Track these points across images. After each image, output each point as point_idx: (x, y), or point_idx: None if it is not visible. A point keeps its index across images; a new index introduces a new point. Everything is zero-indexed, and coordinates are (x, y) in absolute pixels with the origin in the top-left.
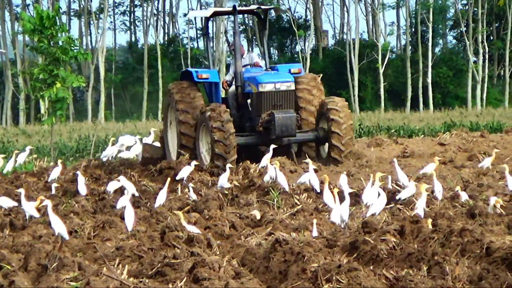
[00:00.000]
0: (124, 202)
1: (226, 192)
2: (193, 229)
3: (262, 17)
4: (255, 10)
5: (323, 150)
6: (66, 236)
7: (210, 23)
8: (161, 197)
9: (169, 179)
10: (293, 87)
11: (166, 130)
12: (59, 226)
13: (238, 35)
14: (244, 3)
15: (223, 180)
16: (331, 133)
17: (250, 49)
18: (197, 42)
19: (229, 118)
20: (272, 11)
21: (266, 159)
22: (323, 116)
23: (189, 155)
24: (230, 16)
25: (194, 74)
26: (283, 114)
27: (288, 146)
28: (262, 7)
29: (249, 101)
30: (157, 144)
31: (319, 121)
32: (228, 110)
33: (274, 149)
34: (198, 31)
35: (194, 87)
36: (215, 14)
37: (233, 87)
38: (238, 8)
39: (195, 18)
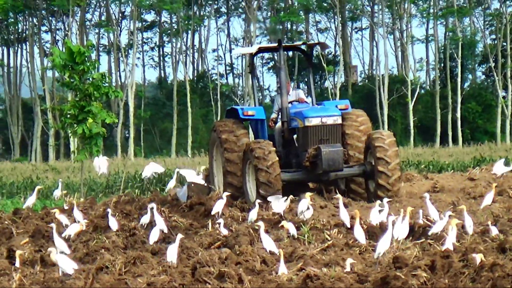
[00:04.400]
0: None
1: (257, 227)
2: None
3: (308, 53)
4: (300, 46)
5: (372, 185)
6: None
7: (239, 59)
8: None
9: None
10: (339, 121)
11: (212, 168)
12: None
13: (283, 71)
14: (273, 38)
15: (253, 215)
16: (378, 173)
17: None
18: (226, 78)
19: (275, 159)
20: (318, 47)
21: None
22: (370, 151)
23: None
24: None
25: (240, 111)
26: (330, 148)
27: (334, 182)
28: (308, 43)
29: (295, 136)
30: (203, 182)
31: (366, 154)
32: (274, 148)
33: (322, 184)
34: (227, 67)
35: (240, 125)
36: (261, 51)
37: (279, 124)
38: (283, 44)
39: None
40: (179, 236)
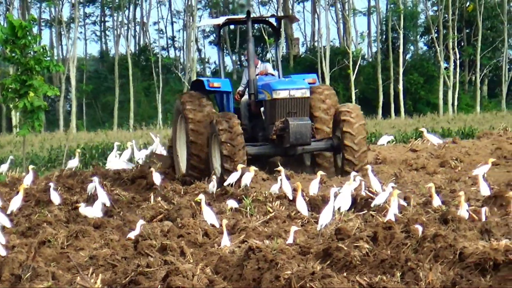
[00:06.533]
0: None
1: (198, 200)
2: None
3: (276, 25)
4: (269, 19)
5: (339, 159)
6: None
7: (181, 32)
8: None
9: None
10: (308, 94)
11: (175, 140)
12: None
13: (251, 43)
14: (215, 11)
15: (212, 187)
16: (344, 147)
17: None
18: (168, 51)
19: (239, 131)
20: (287, 19)
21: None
22: (337, 125)
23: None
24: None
25: (206, 83)
26: (298, 122)
27: (300, 157)
28: (277, 15)
29: (262, 109)
30: (165, 153)
31: (334, 129)
32: (239, 121)
33: (287, 159)
34: (169, 40)
35: (205, 97)
36: (228, 23)
37: (245, 96)
38: (252, 16)
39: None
40: (141, 222)
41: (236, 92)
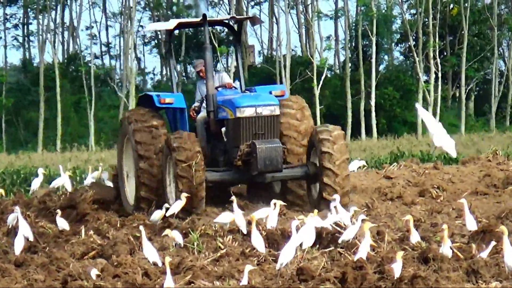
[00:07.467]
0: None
1: (138, 234)
2: None
3: (236, 29)
4: (227, 21)
5: (315, 190)
6: None
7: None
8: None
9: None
10: (277, 112)
11: (121, 167)
12: None
13: (209, 51)
14: (156, 14)
15: (156, 216)
16: (323, 169)
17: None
18: (102, 60)
19: (201, 160)
20: (249, 21)
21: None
22: (314, 148)
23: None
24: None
25: (156, 98)
26: (266, 145)
27: (270, 184)
28: (237, 17)
29: (223, 129)
30: (109, 183)
31: (310, 154)
32: (199, 146)
33: (254, 186)
34: (103, 47)
35: (155, 114)
36: (181, 26)
37: (202, 113)
38: (208, 19)
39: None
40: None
41: (191, 109)
